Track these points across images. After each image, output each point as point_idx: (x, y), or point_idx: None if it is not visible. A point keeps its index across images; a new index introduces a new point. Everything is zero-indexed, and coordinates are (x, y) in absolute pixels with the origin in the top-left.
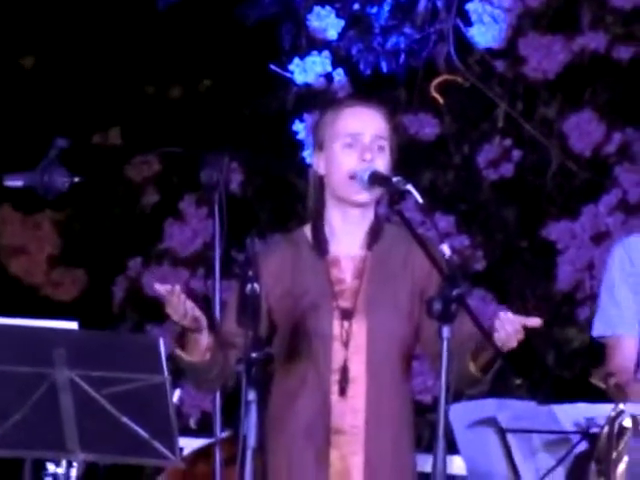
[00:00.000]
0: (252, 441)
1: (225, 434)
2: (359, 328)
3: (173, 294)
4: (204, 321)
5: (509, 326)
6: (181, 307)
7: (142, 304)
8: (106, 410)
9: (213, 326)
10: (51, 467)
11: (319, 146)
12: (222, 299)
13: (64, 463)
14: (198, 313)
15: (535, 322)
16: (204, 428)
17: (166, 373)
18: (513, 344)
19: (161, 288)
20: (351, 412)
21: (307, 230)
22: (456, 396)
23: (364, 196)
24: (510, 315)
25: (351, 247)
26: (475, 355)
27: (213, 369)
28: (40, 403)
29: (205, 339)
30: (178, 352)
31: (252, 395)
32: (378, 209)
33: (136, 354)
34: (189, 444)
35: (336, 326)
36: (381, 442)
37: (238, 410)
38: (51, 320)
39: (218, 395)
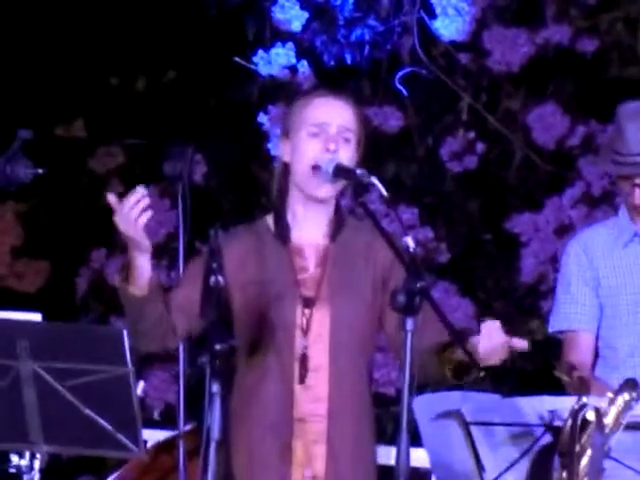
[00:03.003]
0: (216, 433)
1: (189, 426)
2: (322, 317)
3: (133, 194)
4: (148, 244)
5: (497, 337)
6: (135, 210)
7: (106, 295)
8: (69, 402)
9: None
10: (14, 459)
11: (286, 133)
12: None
13: (27, 455)
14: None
15: (523, 345)
16: (168, 420)
17: (130, 365)
18: (496, 360)
19: (112, 196)
20: (314, 401)
21: (269, 219)
22: (420, 388)
23: (326, 190)
24: (498, 326)
25: (314, 236)
26: (450, 360)
27: (152, 311)
28: (3, 395)
29: (147, 266)
30: (120, 282)
31: (216, 387)
32: (341, 200)
33: (100, 346)
34: (153, 436)
35: (298, 315)
36: (343, 431)
37: (202, 402)
38: (14, 311)
39: (182, 387)
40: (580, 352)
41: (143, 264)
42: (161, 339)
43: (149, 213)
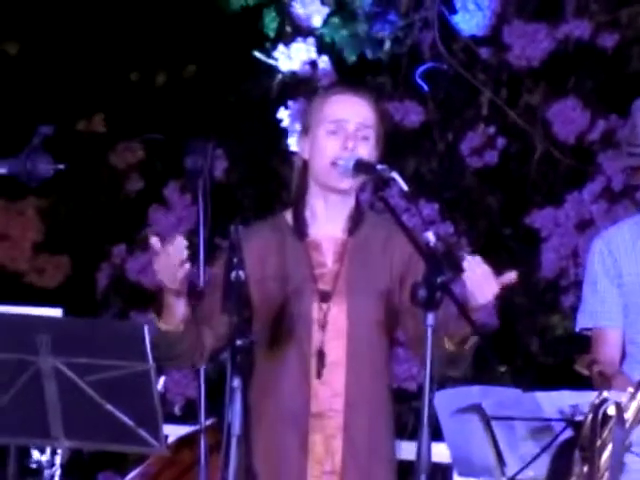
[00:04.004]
0: (237, 428)
1: (210, 421)
2: (339, 311)
3: (173, 243)
4: (185, 290)
5: (479, 269)
6: (176, 262)
7: (126, 291)
8: (90, 397)
9: (193, 299)
10: (36, 454)
11: (305, 130)
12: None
13: (48, 450)
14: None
15: (510, 277)
16: (189, 415)
17: (151, 360)
18: (487, 296)
19: (156, 240)
20: (331, 396)
21: (288, 215)
22: (441, 383)
23: (346, 183)
24: (479, 260)
25: (332, 231)
26: (451, 333)
27: (184, 342)
28: (24, 390)
29: (182, 308)
30: (153, 318)
31: (237, 382)
32: (360, 195)
33: (120, 341)
34: (174, 431)
35: (316, 309)
36: (360, 426)
37: (223, 397)
38: (35, 307)
39: (203, 382)
40: (608, 348)
41: (177, 306)
42: (189, 361)
43: (188, 266)
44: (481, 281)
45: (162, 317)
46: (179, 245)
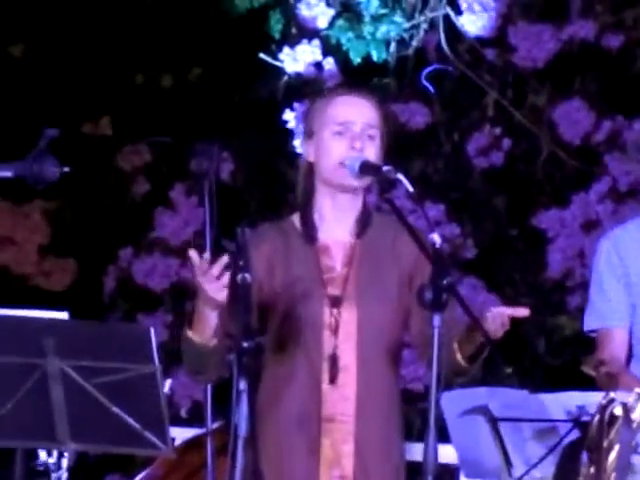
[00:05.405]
0: (243, 431)
1: (216, 424)
2: (349, 316)
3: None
4: (223, 303)
5: (498, 319)
6: (223, 276)
7: (133, 294)
8: (97, 400)
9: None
10: (43, 456)
11: (309, 133)
12: None
13: (55, 453)
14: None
15: (523, 312)
16: (195, 418)
17: (157, 363)
18: (498, 335)
19: (194, 253)
20: (342, 400)
21: (296, 218)
22: (447, 385)
23: (354, 181)
24: (500, 308)
25: (340, 234)
26: (461, 345)
27: (215, 357)
28: (31, 393)
29: (215, 320)
30: (189, 334)
31: (243, 384)
32: (367, 197)
33: (127, 344)
34: (180, 434)
35: (326, 314)
36: (370, 430)
37: (229, 400)
38: (41, 310)
39: (209, 385)
40: (614, 347)
41: (212, 318)
42: (216, 375)
43: (227, 277)
44: (498, 328)
45: (194, 328)
46: (224, 261)
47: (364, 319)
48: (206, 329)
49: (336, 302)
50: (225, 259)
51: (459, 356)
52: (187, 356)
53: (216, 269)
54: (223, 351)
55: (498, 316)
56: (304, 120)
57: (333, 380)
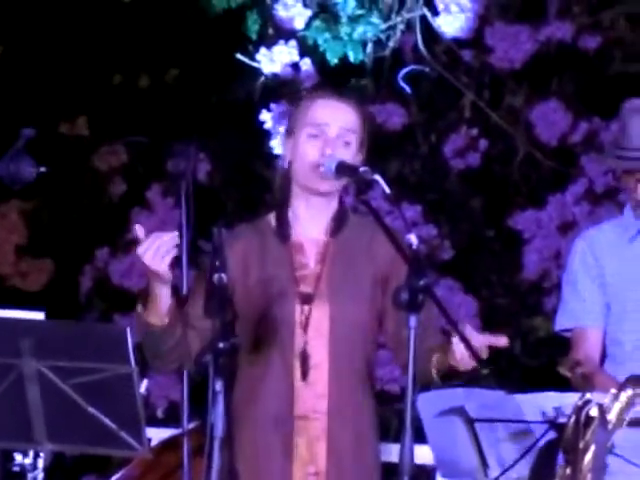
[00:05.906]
0: (219, 431)
1: (193, 424)
2: (321, 313)
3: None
4: (171, 276)
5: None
6: (166, 246)
7: (109, 294)
8: (73, 401)
9: (178, 303)
10: (18, 457)
11: (289, 132)
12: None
13: (31, 454)
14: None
15: (501, 342)
16: (172, 418)
17: (133, 363)
18: (468, 366)
19: (139, 227)
20: (314, 398)
21: (272, 217)
22: (424, 385)
23: (327, 185)
24: (479, 337)
25: (315, 232)
26: (439, 362)
27: (169, 339)
28: (7, 394)
29: (167, 298)
30: (139, 310)
31: (219, 385)
32: (344, 198)
33: (103, 344)
34: (157, 434)
35: (297, 311)
36: (343, 428)
37: (206, 400)
38: (18, 310)
39: (185, 385)
40: (588, 347)
41: (163, 294)
42: (177, 362)
43: (175, 251)
44: (465, 358)
45: (147, 309)
46: (171, 234)
47: (336, 316)
48: (158, 308)
49: (307, 299)
50: (172, 234)
51: (434, 371)
52: (143, 339)
53: (163, 240)
54: (184, 341)
55: (473, 339)
56: (287, 118)
57: (305, 377)
